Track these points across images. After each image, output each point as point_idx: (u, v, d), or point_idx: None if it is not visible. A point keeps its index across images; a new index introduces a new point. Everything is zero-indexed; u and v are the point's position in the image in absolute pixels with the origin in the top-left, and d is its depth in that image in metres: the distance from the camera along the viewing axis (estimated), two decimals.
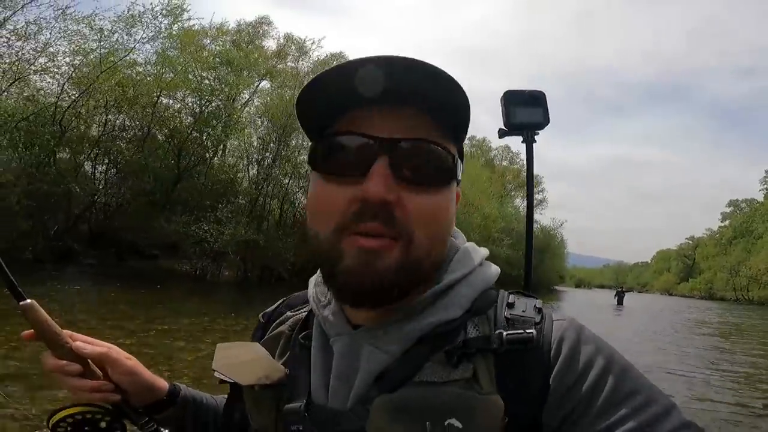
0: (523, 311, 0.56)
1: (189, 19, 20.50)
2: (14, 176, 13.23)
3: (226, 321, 9.29)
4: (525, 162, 1.55)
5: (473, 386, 0.50)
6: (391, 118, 0.52)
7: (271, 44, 26.59)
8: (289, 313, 0.69)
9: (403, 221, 0.50)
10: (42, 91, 17.56)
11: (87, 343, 0.70)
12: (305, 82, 0.53)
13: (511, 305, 0.57)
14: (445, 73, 0.49)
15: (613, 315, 23.33)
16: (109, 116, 19.77)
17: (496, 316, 0.56)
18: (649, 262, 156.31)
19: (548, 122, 1.50)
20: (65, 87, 17.60)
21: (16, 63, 16.17)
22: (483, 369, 0.51)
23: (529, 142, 1.51)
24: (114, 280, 13.00)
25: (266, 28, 26.86)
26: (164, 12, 19.63)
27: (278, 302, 0.73)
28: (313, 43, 26.89)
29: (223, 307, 11.59)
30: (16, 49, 16.11)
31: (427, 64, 0.49)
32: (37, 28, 16.38)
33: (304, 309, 0.67)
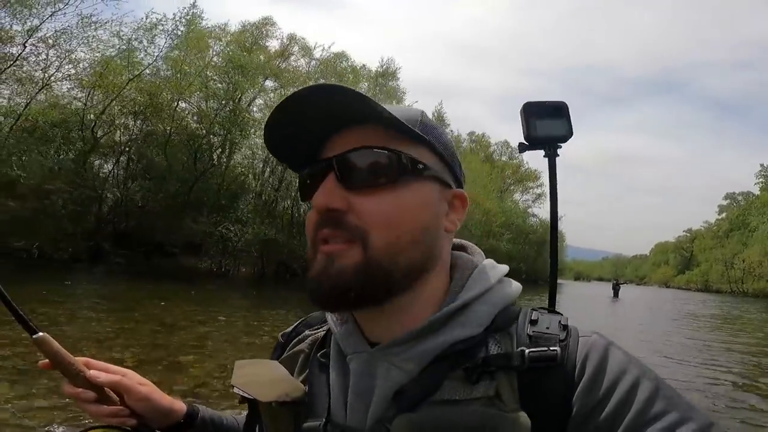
0: (546, 328, 0.54)
1: (201, 22, 21.60)
2: (60, 181, 14.40)
3: (271, 313, 10.33)
4: (548, 176, 1.47)
5: (497, 404, 0.49)
6: (346, 137, 0.55)
7: (274, 44, 27.44)
8: (307, 332, 0.69)
9: (356, 224, 0.52)
10: (67, 98, 18.69)
11: (102, 371, 0.72)
12: (310, 83, 0.80)
13: (534, 322, 0.55)
14: (347, 87, 0.51)
15: (607, 306, 24.49)
16: (136, 121, 20.87)
17: (518, 333, 0.54)
18: (648, 254, 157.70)
19: (572, 134, 1.44)
20: (92, 94, 18.71)
21: (44, 70, 17.31)
22: (506, 387, 0.50)
23: (552, 156, 1.44)
24: (146, 276, 14.19)
25: (270, 28, 27.63)
26: (183, 21, 20.81)
27: (297, 322, 0.73)
28: (322, 49, 27.81)
29: (261, 302, 12.74)
30: (43, 56, 17.20)
31: (332, 84, 0.52)
32: (63, 36, 17.42)
33: (323, 328, 0.67)
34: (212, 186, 21.72)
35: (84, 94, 18.87)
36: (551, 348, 0.51)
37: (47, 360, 0.68)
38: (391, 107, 0.55)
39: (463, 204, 0.60)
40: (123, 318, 7.77)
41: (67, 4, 17.17)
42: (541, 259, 50.61)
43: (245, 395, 0.62)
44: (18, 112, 15.50)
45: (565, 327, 0.54)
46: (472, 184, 31.73)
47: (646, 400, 0.47)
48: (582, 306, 21.74)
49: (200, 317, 8.68)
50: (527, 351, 0.51)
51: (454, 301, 0.56)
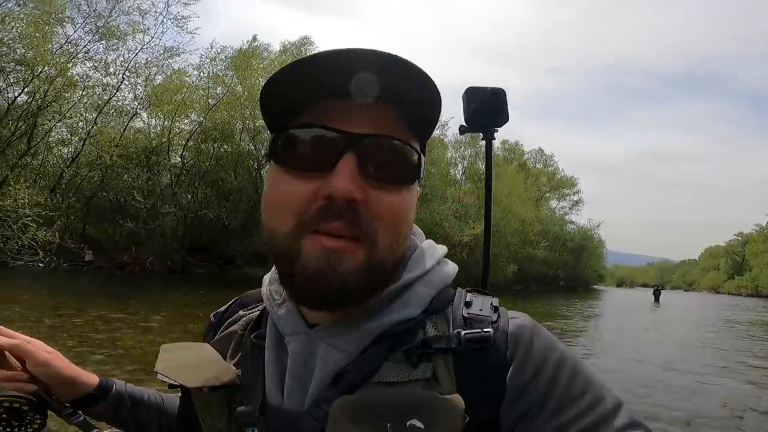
0: (480, 310, 0.56)
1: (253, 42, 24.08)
2: (170, 205, 17.34)
3: None
4: (485, 159, 1.56)
5: (434, 386, 0.50)
6: (358, 112, 0.49)
7: None
8: (241, 312, 0.66)
9: (368, 221, 0.48)
10: (152, 125, 21.39)
11: (4, 336, 0.71)
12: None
13: (468, 304, 0.57)
14: (420, 69, 0.48)
15: (646, 313, 24.91)
16: (213, 145, 22.99)
17: (454, 315, 0.55)
18: (697, 259, 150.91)
19: (507, 120, 1.48)
20: (174, 120, 21.16)
21: (135, 99, 20.05)
22: (442, 368, 0.51)
23: (489, 140, 1.50)
24: (227, 284, 16.68)
25: (309, 48, 29.86)
26: (247, 53, 23.36)
27: (231, 301, 0.70)
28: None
29: None
30: (131, 86, 19.81)
31: (402, 58, 0.47)
32: (153, 68, 20.16)
33: (258, 308, 0.64)
34: None
35: (168, 122, 21.37)
36: (485, 330, 0.52)
37: None
38: None
39: (416, 197, 0.58)
40: None
41: (152, 37, 20.20)
42: (579, 266, 50.70)
43: (170, 381, 0.59)
44: (116, 139, 18.31)
45: (496, 309, 0.56)
46: (508, 195, 32.53)
47: (568, 381, 0.51)
48: (619, 313, 22.17)
49: None
50: (463, 333, 0.52)
51: (396, 282, 0.54)
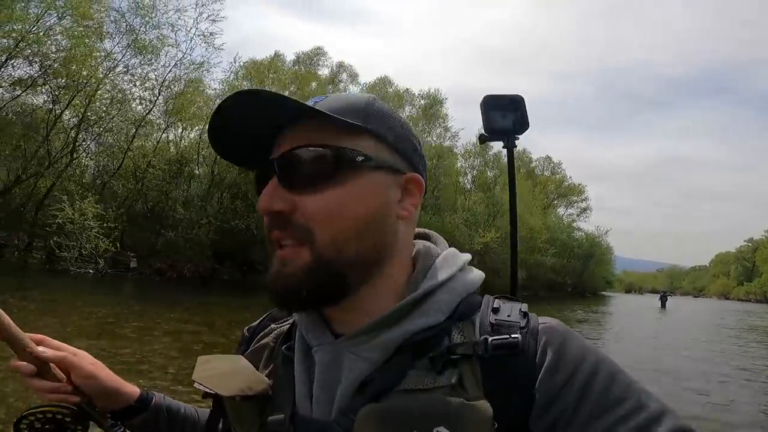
0: (508, 315, 0.55)
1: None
2: (206, 216, 18.68)
3: None
4: (507, 167, 1.53)
5: (460, 392, 0.50)
6: (290, 136, 0.55)
7: (325, 72, 31.20)
8: (273, 326, 0.69)
9: (301, 223, 0.52)
10: (181, 137, 22.28)
11: (51, 348, 0.73)
12: None
13: (496, 310, 0.56)
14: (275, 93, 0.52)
15: (650, 319, 25.73)
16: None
17: (481, 321, 0.55)
18: (708, 265, 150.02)
19: (528, 127, 1.46)
20: (201, 133, 21.74)
21: (166, 114, 20.79)
22: (469, 375, 0.51)
23: (510, 148, 1.48)
24: (256, 289, 17.84)
25: (321, 58, 31.73)
26: (262, 64, 24.40)
27: (263, 316, 0.73)
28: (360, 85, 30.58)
29: None
30: (164, 100, 20.39)
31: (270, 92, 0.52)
32: (185, 83, 20.86)
33: (288, 321, 0.67)
34: None
35: (197, 134, 22.33)
36: (513, 335, 0.52)
37: None
38: (334, 97, 0.57)
39: (419, 188, 0.59)
40: None
41: (185, 53, 21.15)
42: (587, 273, 51.19)
43: (206, 390, 0.61)
44: (153, 152, 19.50)
45: (525, 314, 0.56)
46: (519, 203, 33.50)
47: (605, 386, 0.49)
48: (622, 318, 23.01)
49: None
50: (490, 339, 0.52)
51: (416, 290, 0.56)
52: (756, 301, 76.71)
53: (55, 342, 0.75)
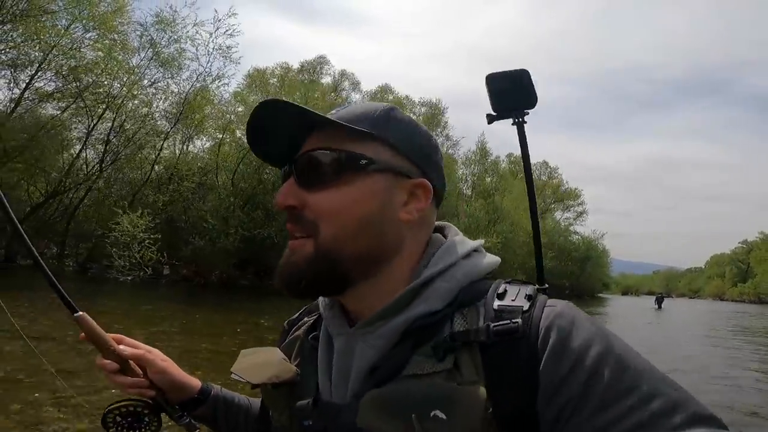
0: (512, 300, 0.55)
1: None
2: (234, 226, 19.77)
3: None
4: (519, 147, 1.43)
5: (455, 377, 0.51)
6: (309, 140, 0.61)
7: (327, 80, 32.16)
8: (306, 318, 0.74)
9: (310, 218, 0.57)
10: (201, 150, 23.24)
11: (129, 346, 0.81)
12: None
13: (501, 295, 0.57)
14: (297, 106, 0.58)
15: (644, 318, 26.82)
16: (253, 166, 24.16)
17: (486, 307, 0.56)
18: (703, 267, 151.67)
19: (536, 100, 1.39)
20: (221, 145, 22.23)
21: (188, 127, 21.65)
22: (467, 360, 0.52)
23: (520, 125, 1.41)
24: (273, 293, 19.06)
25: (325, 66, 32.93)
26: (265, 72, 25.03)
27: (301, 310, 0.78)
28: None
29: None
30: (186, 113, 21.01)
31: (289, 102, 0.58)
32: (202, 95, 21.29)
33: (317, 313, 0.71)
34: None
35: (215, 145, 23.02)
36: (513, 321, 0.52)
37: (83, 334, 0.77)
38: (354, 106, 0.62)
39: (427, 193, 0.61)
40: None
41: (205, 67, 21.57)
42: (584, 276, 52.31)
43: (239, 379, 0.67)
44: (181, 163, 20.40)
45: (530, 297, 0.55)
46: (515, 209, 34.62)
47: (614, 374, 0.47)
48: (618, 318, 24.10)
49: None
50: (492, 325, 0.52)
51: (419, 278, 0.58)
52: (749, 301, 78.34)
53: (132, 340, 0.83)
